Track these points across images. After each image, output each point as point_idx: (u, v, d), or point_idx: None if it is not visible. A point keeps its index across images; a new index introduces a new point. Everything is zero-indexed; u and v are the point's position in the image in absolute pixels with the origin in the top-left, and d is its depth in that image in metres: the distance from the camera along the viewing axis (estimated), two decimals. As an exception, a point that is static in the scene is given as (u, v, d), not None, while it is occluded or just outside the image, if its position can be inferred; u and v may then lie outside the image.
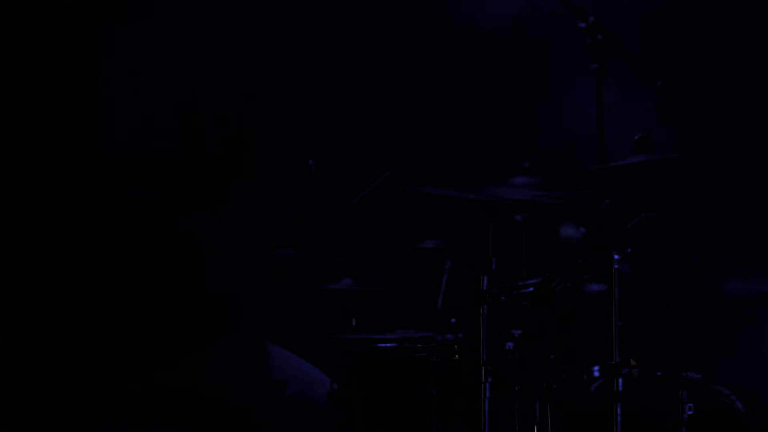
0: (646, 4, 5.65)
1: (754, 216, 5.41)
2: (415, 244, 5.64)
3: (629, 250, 3.54)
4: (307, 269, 5.60)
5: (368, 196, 5.06)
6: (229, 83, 6.32)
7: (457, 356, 3.79)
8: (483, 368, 3.52)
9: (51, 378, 4.79)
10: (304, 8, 6.26)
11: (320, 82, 6.49)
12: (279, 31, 6.41)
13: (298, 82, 6.44)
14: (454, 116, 6.55)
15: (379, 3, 6.50)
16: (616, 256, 3.50)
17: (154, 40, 5.82)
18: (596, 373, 3.90)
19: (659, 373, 3.73)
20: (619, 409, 3.40)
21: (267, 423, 4.52)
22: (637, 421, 3.53)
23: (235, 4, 6.28)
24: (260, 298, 5.56)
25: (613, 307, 3.46)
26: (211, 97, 6.13)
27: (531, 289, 3.69)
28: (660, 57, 5.49)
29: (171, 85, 5.88)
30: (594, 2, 5.08)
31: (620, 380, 3.41)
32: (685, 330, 5.27)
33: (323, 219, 5.38)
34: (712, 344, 5.20)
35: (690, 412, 3.55)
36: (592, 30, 4.93)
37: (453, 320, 4.31)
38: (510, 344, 3.67)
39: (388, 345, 4.03)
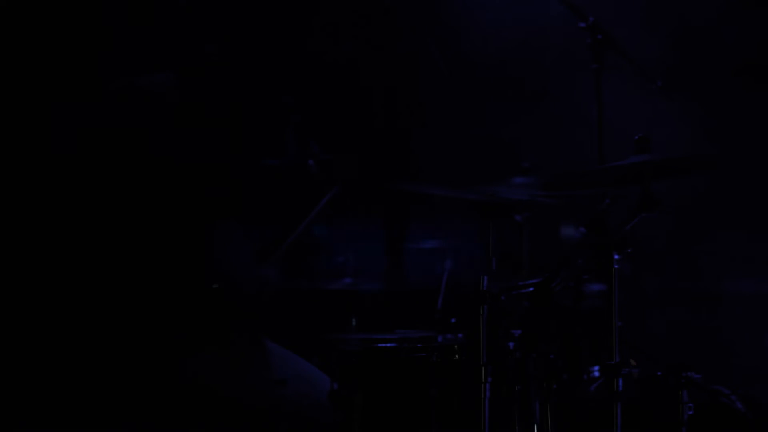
0: (646, 4, 5.66)
1: (754, 215, 5.41)
2: (415, 244, 5.64)
3: (629, 250, 3.54)
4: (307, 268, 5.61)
5: (319, 212, 5.09)
6: (229, 83, 6.32)
7: (457, 356, 3.79)
8: (483, 368, 3.52)
9: (50, 377, 4.79)
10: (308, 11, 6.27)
11: (316, 77, 6.48)
12: (284, 32, 6.41)
13: (296, 80, 6.44)
14: (453, 116, 6.55)
15: (379, 4, 6.50)
16: (616, 256, 3.50)
17: (153, 41, 5.82)
18: (596, 373, 3.90)
19: (659, 373, 3.73)
20: (619, 409, 3.40)
21: (267, 422, 4.52)
22: (637, 421, 3.53)
23: (238, 5, 6.29)
24: (260, 298, 5.56)
25: (613, 307, 3.47)
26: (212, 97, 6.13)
27: (531, 289, 3.69)
28: (660, 57, 5.49)
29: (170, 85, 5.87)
30: (594, 2, 5.08)
31: (620, 380, 3.42)
32: (685, 330, 5.27)
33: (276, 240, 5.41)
34: (712, 344, 5.21)
35: (690, 412, 3.55)
36: (592, 30, 4.93)
37: (453, 320, 4.31)
38: (510, 344, 3.68)
39: (388, 345, 4.03)
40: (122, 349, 4.91)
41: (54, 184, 5.47)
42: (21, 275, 5.16)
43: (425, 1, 6.53)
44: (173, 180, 5.75)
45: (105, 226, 5.44)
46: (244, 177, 6.33)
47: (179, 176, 5.81)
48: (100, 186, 5.53)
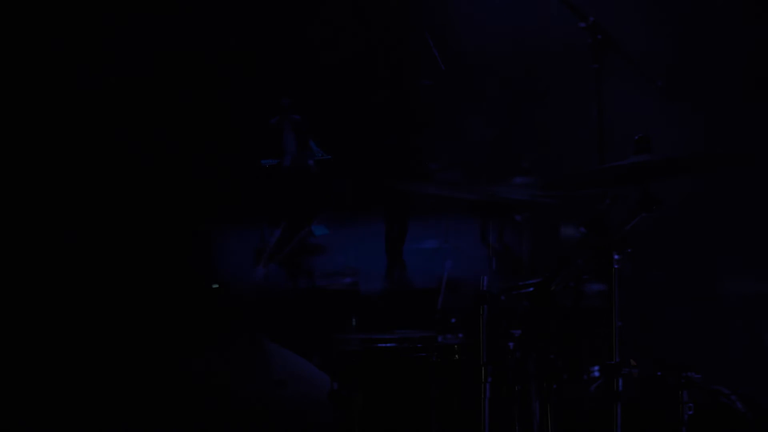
0: (647, 4, 5.66)
1: (753, 215, 5.42)
2: (416, 244, 5.64)
3: (629, 250, 3.54)
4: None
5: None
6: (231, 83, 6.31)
7: (457, 356, 3.79)
8: (483, 368, 3.52)
9: (52, 376, 4.78)
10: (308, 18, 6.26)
11: (316, 76, 6.47)
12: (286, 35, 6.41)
13: (296, 80, 6.44)
14: (452, 116, 6.54)
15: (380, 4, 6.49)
16: (616, 256, 3.50)
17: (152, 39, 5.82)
18: (596, 373, 3.90)
19: (659, 373, 3.73)
20: (619, 409, 3.40)
21: (267, 422, 4.52)
22: (637, 421, 3.53)
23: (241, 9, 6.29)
24: (260, 298, 5.56)
25: (613, 307, 3.46)
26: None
27: (531, 289, 3.69)
28: (660, 56, 5.49)
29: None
30: (594, 2, 5.09)
31: (620, 380, 3.41)
32: (685, 330, 5.27)
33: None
34: (712, 344, 5.21)
35: (690, 412, 3.55)
36: (592, 30, 4.92)
37: (453, 320, 4.31)
38: (510, 344, 3.68)
39: (388, 345, 4.03)
40: (122, 349, 4.91)
41: (53, 185, 5.47)
42: (23, 276, 5.17)
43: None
44: (172, 182, 5.76)
45: (104, 227, 5.45)
46: (243, 178, 6.34)
47: (178, 178, 5.81)
48: (100, 188, 5.53)
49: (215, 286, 5.43)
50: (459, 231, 5.63)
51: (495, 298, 3.61)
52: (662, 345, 5.07)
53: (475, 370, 3.54)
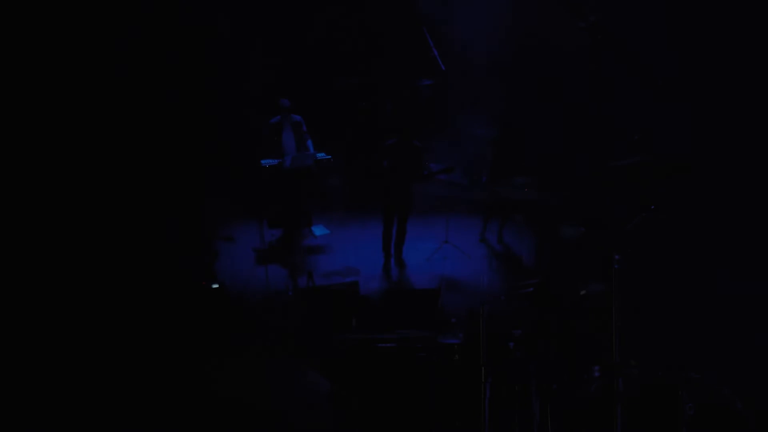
0: (647, 5, 5.67)
1: (752, 215, 5.42)
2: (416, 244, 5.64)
3: (629, 250, 3.54)
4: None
5: None
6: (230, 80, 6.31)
7: (457, 356, 3.79)
8: (483, 368, 3.53)
9: (81, 384, 4.78)
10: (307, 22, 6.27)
11: (319, 81, 6.47)
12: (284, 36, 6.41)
13: (297, 81, 6.44)
14: (453, 116, 6.54)
15: (378, 5, 6.49)
16: (616, 256, 3.50)
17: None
18: (596, 373, 3.90)
19: (659, 373, 3.73)
20: (619, 409, 3.40)
21: (268, 422, 4.53)
22: (637, 421, 3.53)
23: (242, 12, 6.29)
24: (260, 298, 5.57)
25: (613, 307, 3.47)
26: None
27: (531, 289, 3.69)
28: (660, 57, 5.50)
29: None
30: (596, 2, 5.10)
31: (620, 380, 3.42)
32: (685, 330, 5.28)
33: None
34: (712, 344, 5.21)
35: (690, 412, 3.55)
36: (592, 30, 4.94)
37: (453, 320, 4.31)
38: (510, 344, 3.68)
39: (388, 345, 4.04)
40: (123, 350, 4.91)
41: (55, 185, 5.47)
42: (31, 279, 5.18)
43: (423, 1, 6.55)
44: (173, 184, 5.77)
45: (108, 231, 5.46)
46: (244, 178, 6.34)
47: (178, 180, 5.82)
48: (103, 191, 5.54)
49: (215, 286, 5.43)
50: (459, 231, 5.63)
51: (495, 298, 3.61)
52: (663, 345, 5.08)
53: (475, 370, 3.54)
